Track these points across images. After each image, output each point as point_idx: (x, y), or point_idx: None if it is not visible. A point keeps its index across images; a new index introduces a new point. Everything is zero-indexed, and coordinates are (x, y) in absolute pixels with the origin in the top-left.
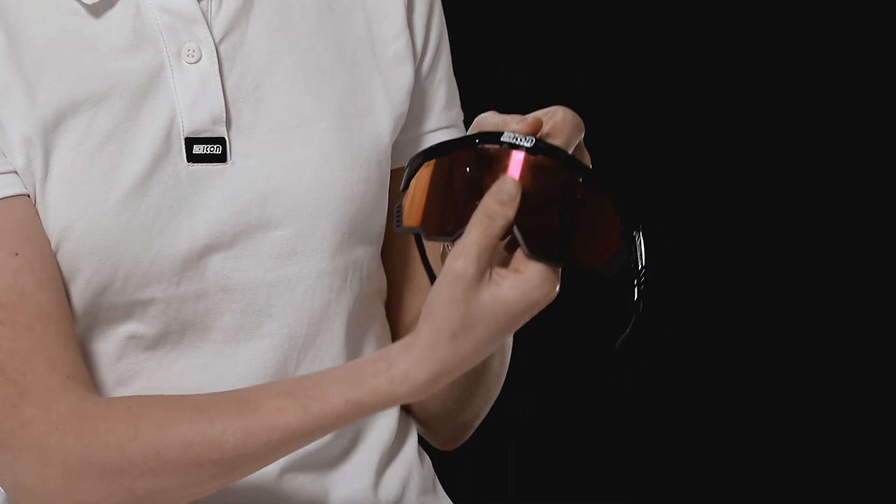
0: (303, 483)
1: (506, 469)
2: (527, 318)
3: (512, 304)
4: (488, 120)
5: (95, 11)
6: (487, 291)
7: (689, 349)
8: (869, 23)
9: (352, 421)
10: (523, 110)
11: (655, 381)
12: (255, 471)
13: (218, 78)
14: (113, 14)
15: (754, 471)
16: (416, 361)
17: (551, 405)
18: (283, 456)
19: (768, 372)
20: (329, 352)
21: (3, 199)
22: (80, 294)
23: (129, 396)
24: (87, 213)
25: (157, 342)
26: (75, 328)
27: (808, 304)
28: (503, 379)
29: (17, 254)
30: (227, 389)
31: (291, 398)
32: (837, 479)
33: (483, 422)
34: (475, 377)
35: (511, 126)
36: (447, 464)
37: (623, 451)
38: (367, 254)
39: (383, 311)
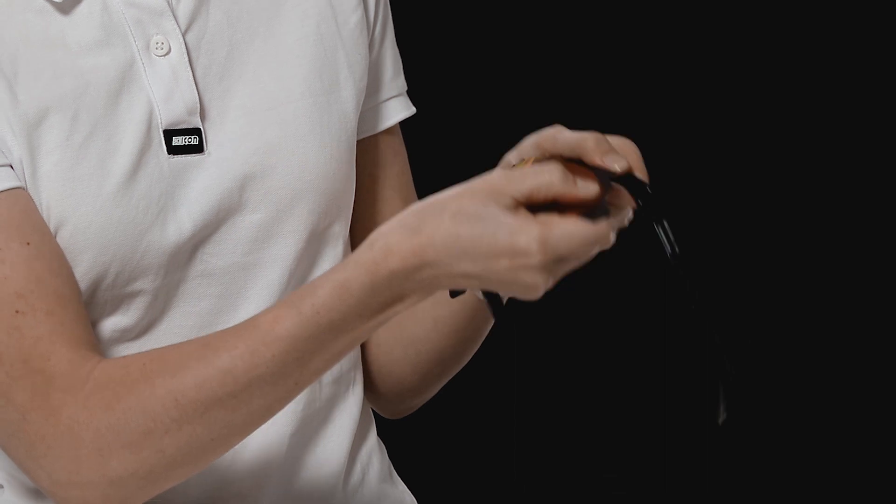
0: (276, 467)
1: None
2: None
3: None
4: (562, 144)
5: (63, 9)
6: (510, 211)
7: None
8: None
9: (341, 316)
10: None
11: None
12: (274, 404)
13: (188, 69)
14: (80, 11)
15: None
16: (390, 227)
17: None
18: (299, 381)
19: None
20: None
21: (6, 190)
22: None
23: (145, 353)
24: (78, 210)
25: (138, 333)
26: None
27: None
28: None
29: (28, 243)
30: (185, 342)
31: (285, 305)
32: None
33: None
34: (445, 362)
35: (611, 163)
36: (405, 451)
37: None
38: (341, 230)
39: None
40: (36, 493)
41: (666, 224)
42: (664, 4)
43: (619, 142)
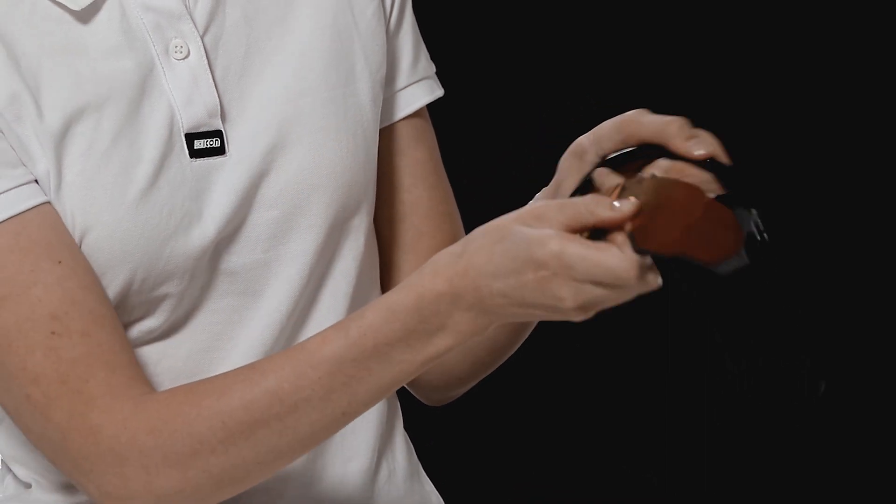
0: (301, 461)
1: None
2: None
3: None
4: (648, 126)
5: (83, 17)
6: (540, 234)
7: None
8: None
9: (392, 337)
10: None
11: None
12: (320, 431)
13: (208, 71)
14: (100, 18)
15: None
16: (442, 252)
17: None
18: (347, 410)
19: None
20: (329, 323)
21: (34, 207)
22: None
23: (199, 380)
24: (102, 218)
25: (163, 333)
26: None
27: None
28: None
29: (60, 262)
30: (230, 370)
31: (334, 328)
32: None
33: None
34: (489, 354)
35: (688, 148)
36: (433, 451)
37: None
38: (361, 222)
39: (378, 276)
40: (65, 489)
41: (755, 211)
42: None
43: (699, 131)
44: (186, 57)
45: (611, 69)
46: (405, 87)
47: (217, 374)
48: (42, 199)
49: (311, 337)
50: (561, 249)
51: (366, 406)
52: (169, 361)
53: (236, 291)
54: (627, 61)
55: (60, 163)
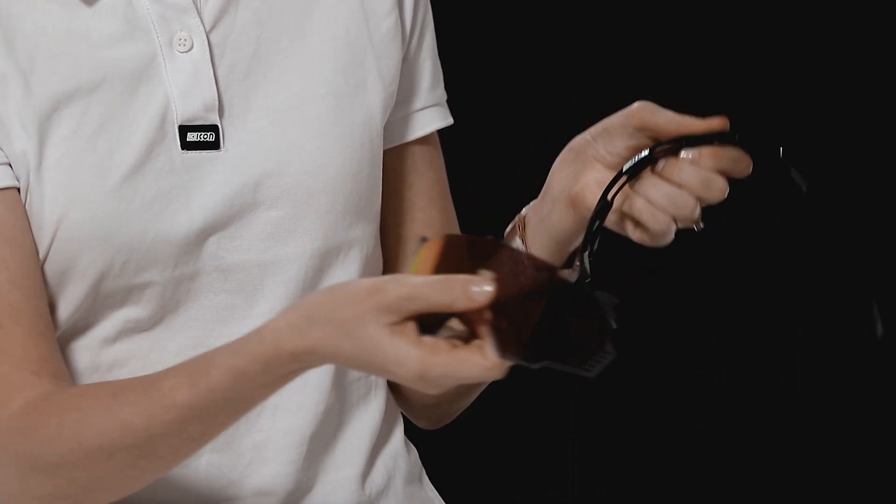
0: (294, 469)
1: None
2: (406, 380)
3: (399, 361)
4: (661, 116)
5: (88, 1)
6: (392, 335)
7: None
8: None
9: (239, 394)
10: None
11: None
12: (184, 452)
13: (210, 66)
14: (104, 3)
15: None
16: (280, 325)
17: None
18: (205, 436)
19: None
20: None
21: None
22: (78, 281)
23: (77, 387)
24: (83, 200)
25: (152, 324)
26: (52, 322)
27: None
28: None
29: None
30: (103, 382)
31: (185, 374)
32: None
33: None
34: None
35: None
36: (437, 454)
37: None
38: (367, 232)
39: None
40: None
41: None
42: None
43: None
44: (189, 50)
45: (614, 80)
46: (424, 108)
47: (104, 382)
48: (4, 184)
49: (165, 374)
50: (423, 373)
51: (229, 425)
52: (159, 355)
53: (230, 289)
54: (632, 66)
55: (44, 143)
